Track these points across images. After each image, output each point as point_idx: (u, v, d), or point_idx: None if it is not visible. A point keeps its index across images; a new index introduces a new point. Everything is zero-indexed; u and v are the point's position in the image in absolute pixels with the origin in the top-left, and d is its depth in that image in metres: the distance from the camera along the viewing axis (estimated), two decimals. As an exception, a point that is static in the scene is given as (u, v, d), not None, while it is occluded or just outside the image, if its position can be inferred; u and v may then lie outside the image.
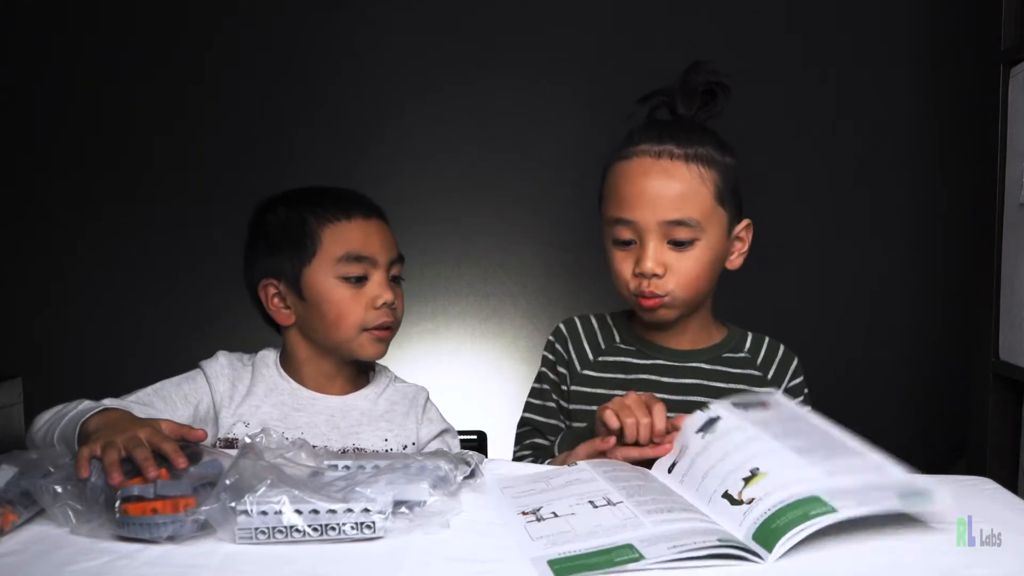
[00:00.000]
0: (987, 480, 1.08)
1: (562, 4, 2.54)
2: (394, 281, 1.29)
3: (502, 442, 2.00)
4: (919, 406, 2.50)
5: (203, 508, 0.82)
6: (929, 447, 2.41)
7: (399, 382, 1.38)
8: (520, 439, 1.31)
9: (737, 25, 2.49)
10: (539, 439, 1.29)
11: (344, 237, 1.26)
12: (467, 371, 2.58)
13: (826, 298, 2.51)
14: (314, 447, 0.98)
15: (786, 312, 2.54)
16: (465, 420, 1.78)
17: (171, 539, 0.81)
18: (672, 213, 1.16)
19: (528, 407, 1.32)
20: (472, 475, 0.98)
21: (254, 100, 2.56)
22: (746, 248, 1.26)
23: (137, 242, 2.56)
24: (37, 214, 2.59)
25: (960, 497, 1.00)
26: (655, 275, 1.17)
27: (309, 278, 1.25)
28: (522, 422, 1.32)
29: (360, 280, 1.25)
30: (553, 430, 1.29)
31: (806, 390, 1.31)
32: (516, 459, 1.29)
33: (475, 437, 2.25)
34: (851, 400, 2.57)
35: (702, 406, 1.03)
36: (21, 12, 2.55)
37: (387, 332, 1.27)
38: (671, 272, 1.18)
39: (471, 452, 1.03)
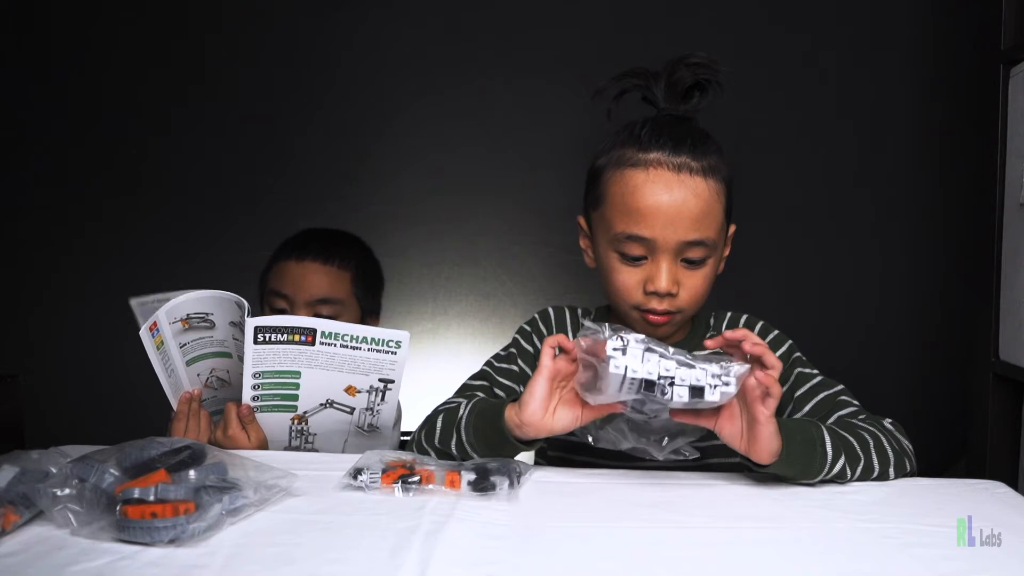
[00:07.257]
0: (999, 484, 1.08)
1: (562, 4, 2.53)
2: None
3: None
4: (919, 406, 2.50)
5: (203, 514, 0.82)
6: (929, 447, 2.40)
7: None
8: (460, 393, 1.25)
9: (737, 25, 2.49)
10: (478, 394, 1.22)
11: (275, 275, 1.55)
12: (467, 371, 2.57)
13: (825, 298, 2.51)
14: None
15: (785, 312, 2.53)
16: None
17: (172, 542, 0.82)
18: (692, 234, 1.10)
19: (478, 376, 1.28)
20: (512, 484, 1.00)
21: (254, 100, 2.55)
22: (727, 252, 1.21)
23: (134, 241, 2.55)
24: (33, 213, 2.58)
25: (969, 501, 1.00)
26: (669, 294, 1.11)
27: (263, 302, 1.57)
28: (462, 387, 1.26)
29: (283, 312, 1.49)
30: (508, 392, 1.24)
31: (789, 341, 1.24)
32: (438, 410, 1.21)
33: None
34: (851, 400, 2.58)
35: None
36: (20, 10, 2.55)
37: None
38: (682, 289, 1.12)
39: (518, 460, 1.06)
